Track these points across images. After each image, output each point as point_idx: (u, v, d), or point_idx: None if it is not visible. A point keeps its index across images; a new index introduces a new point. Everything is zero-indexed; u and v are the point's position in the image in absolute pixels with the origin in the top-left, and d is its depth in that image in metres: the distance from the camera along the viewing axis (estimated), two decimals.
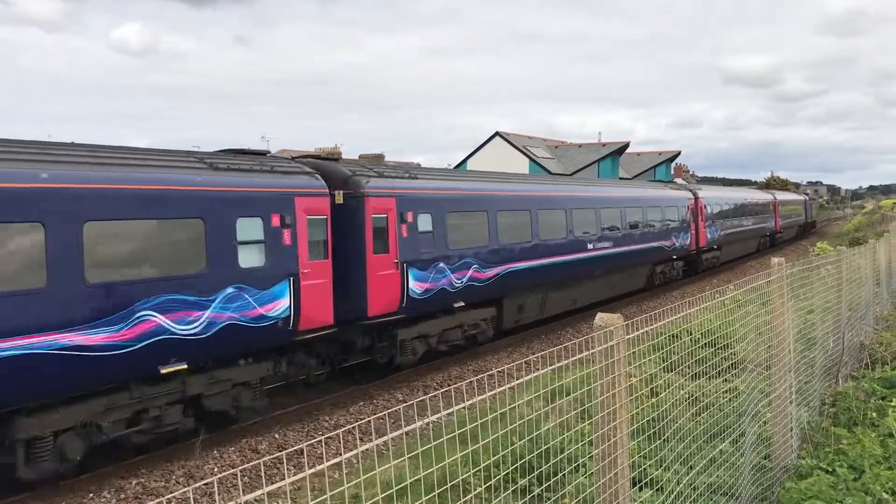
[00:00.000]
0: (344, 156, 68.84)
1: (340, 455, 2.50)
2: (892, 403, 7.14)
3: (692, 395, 7.05)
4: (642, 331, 4.05)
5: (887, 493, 5.18)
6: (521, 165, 62.26)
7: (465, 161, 65.40)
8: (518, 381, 3.35)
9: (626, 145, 69.81)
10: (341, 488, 2.42)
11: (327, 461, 2.35)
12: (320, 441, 10.25)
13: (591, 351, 3.53)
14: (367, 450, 2.48)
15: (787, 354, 6.74)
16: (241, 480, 9.59)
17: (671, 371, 6.64)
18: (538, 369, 3.54)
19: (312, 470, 2.20)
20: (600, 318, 3.58)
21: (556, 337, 19.00)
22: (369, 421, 2.82)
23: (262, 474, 9.66)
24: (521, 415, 4.07)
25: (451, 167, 64.77)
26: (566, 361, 3.39)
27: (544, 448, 4.46)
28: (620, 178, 71.27)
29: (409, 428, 2.64)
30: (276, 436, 11.40)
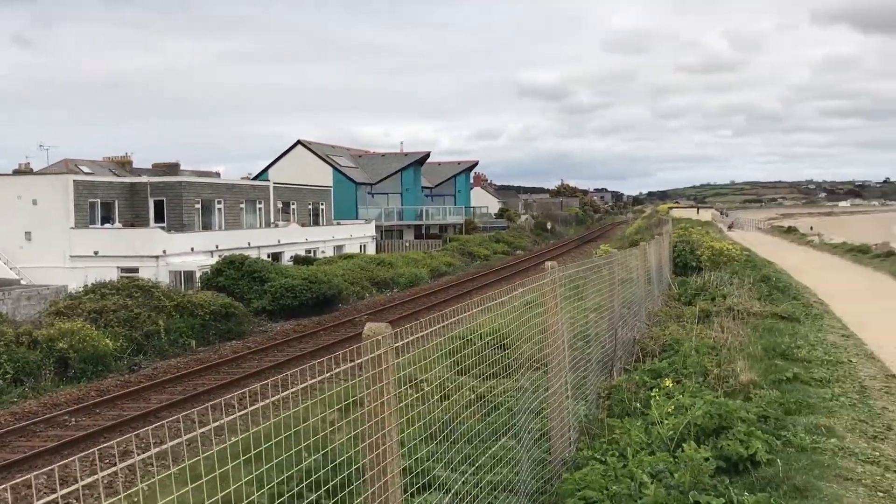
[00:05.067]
0: (135, 165, 65.08)
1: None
2: (653, 394, 7.75)
3: (481, 396, 7.30)
4: (411, 338, 4.11)
5: (647, 476, 5.60)
6: (325, 174, 61.95)
7: (266, 170, 64.10)
8: (273, 398, 3.28)
9: (427, 155, 71.51)
10: None
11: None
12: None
13: (358, 361, 3.54)
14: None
15: (562, 352, 7.13)
16: None
17: (464, 374, 6.83)
18: (312, 378, 3.49)
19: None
20: (369, 327, 3.60)
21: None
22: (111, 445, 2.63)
23: None
24: (304, 427, 4.00)
25: (252, 176, 63.16)
26: (326, 375, 3.36)
27: (318, 457, 4.42)
28: (423, 188, 72.86)
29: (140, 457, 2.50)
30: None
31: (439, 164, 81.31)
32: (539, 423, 7.37)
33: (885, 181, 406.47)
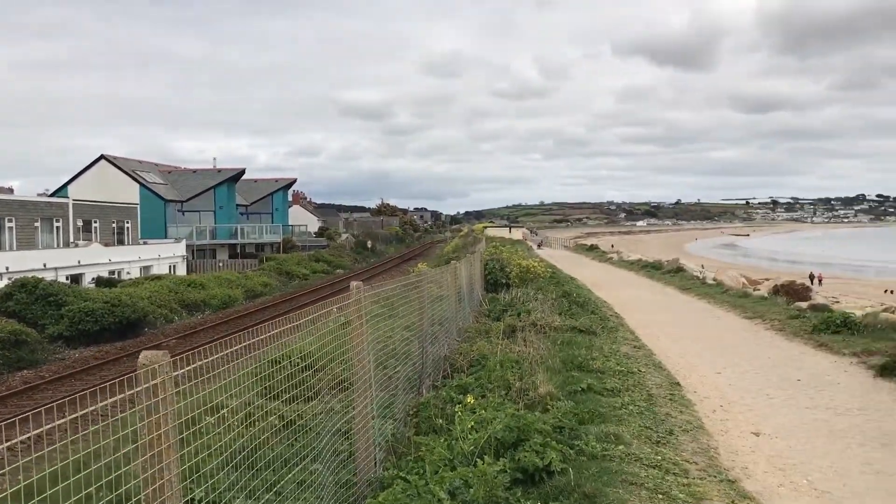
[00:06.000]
0: None
1: None
2: (456, 410, 7.90)
3: (287, 419, 7.13)
4: (197, 364, 3.94)
5: (445, 494, 5.69)
6: (131, 191, 58.78)
7: (65, 186, 59.84)
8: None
9: (243, 171, 69.61)
10: None
11: None
12: None
13: (133, 391, 3.33)
14: None
15: (367, 372, 7.11)
16: None
17: (272, 398, 6.63)
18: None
19: None
20: (144, 356, 3.40)
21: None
22: None
23: None
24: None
25: (50, 193, 58.73)
26: (86, 411, 3.15)
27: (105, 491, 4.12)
28: (239, 205, 70.83)
29: None
30: None
31: (256, 181, 79.40)
32: (347, 444, 7.32)
33: (676, 203, 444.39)
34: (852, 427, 9.05)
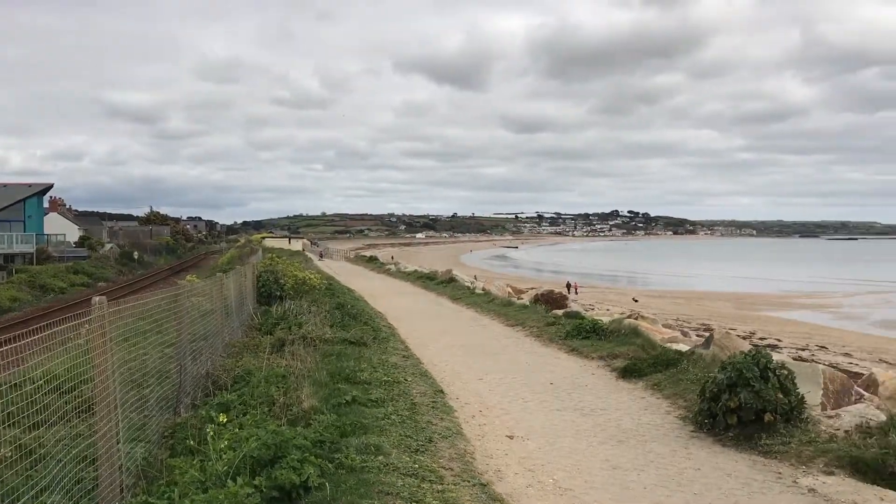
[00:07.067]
0: None
1: None
2: (209, 430, 7.63)
3: (19, 444, 6.52)
4: None
5: None
6: None
7: None
8: None
9: None
10: None
11: None
12: None
13: None
14: None
15: (111, 393, 6.67)
16: None
17: (6, 424, 6.02)
18: None
19: None
20: None
21: None
22: None
23: None
24: None
25: None
26: None
27: None
28: None
29: None
30: None
31: (5, 185, 72.17)
32: (92, 471, 6.83)
33: (453, 216, 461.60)
34: (595, 426, 9.81)
